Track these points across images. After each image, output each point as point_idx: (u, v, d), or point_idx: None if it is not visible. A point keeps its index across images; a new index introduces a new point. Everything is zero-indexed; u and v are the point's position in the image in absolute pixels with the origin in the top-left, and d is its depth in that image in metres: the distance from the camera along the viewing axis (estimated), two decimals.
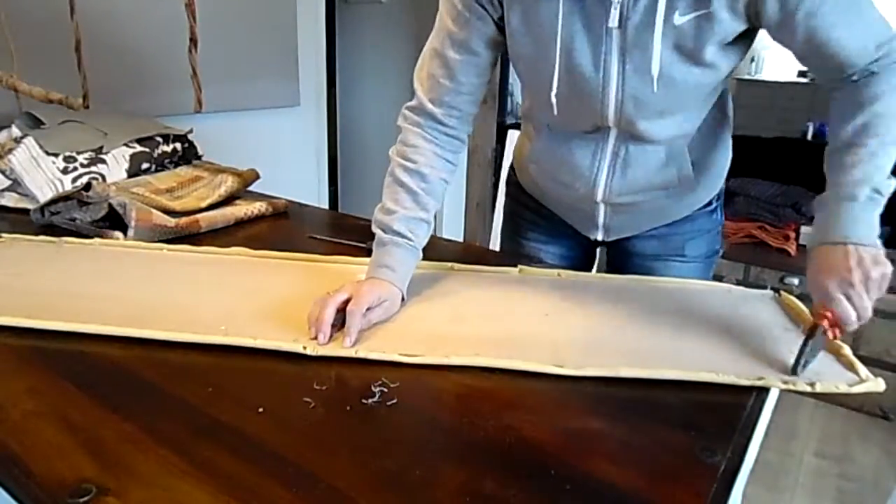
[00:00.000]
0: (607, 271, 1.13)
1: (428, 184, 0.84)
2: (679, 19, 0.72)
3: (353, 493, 0.48)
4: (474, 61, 0.83)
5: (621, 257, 1.07)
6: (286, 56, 2.18)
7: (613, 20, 0.74)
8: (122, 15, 1.68)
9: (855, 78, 0.73)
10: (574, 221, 1.05)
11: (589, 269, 1.17)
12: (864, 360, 0.68)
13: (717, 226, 1.06)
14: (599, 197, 0.92)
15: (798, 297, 0.83)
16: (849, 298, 0.66)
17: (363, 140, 3.25)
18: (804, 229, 2.43)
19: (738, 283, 0.99)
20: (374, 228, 0.83)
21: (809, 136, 3.30)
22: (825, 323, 0.67)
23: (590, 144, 0.88)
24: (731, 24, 0.72)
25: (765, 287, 0.90)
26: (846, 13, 0.70)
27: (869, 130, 0.70)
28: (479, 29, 0.81)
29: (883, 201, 0.69)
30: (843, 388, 0.63)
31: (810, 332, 0.67)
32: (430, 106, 0.84)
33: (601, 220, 0.99)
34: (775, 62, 4.05)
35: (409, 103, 0.87)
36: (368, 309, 0.73)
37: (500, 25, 0.82)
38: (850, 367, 0.67)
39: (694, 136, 0.88)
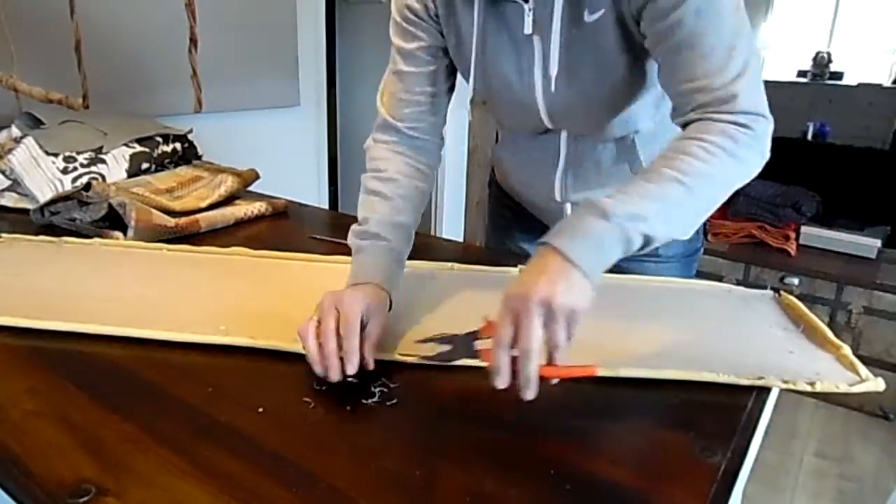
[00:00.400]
0: None
1: (402, 189, 0.80)
2: (589, 17, 0.70)
3: (353, 493, 0.48)
4: (425, 71, 0.83)
5: None
6: (286, 56, 2.18)
7: (528, 27, 0.74)
8: (122, 15, 1.68)
9: (699, 114, 0.65)
10: (545, 219, 1.05)
11: None
12: (864, 360, 0.68)
13: (700, 227, 1.02)
14: (557, 196, 0.94)
15: (798, 297, 0.83)
16: (517, 322, 0.55)
17: (363, 140, 3.25)
18: (804, 229, 2.43)
19: (738, 283, 0.99)
20: (350, 241, 0.77)
21: (809, 136, 3.30)
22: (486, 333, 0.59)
23: (544, 145, 0.90)
24: (633, 23, 0.70)
25: (765, 287, 0.90)
26: (713, 19, 0.63)
27: (679, 165, 0.61)
28: (423, 40, 0.82)
29: (635, 244, 0.59)
30: (844, 388, 0.63)
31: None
32: (392, 121, 0.84)
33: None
34: (775, 62, 4.05)
35: (375, 123, 0.86)
36: (362, 327, 0.64)
37: (440, 32, 0.82)
38: (851, 367, 0.67)
39: (655, 135, 0.87)
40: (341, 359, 0.61)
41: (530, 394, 0.54)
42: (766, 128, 0.65)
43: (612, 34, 0.71)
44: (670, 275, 0.98)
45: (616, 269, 1.05)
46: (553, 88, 0.77)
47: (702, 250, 1.07)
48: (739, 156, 0.63)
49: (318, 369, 0.61)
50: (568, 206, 0.96)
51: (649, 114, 0.85)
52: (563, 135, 0.88)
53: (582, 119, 0.84)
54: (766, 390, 0.63)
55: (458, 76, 0.87)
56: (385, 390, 0.62)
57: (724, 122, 0.64)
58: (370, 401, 0.60)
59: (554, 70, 0.75)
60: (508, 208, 1.11)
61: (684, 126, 0.68)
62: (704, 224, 1.04)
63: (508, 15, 0.75)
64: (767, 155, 0.66)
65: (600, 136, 0.86)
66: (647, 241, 0.60)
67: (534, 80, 0.79)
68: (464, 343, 0.63)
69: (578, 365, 0.58)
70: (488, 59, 0.79)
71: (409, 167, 0.83)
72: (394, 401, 0.60)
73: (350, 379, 0.61)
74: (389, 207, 0.79)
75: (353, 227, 0.79)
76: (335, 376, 0.60)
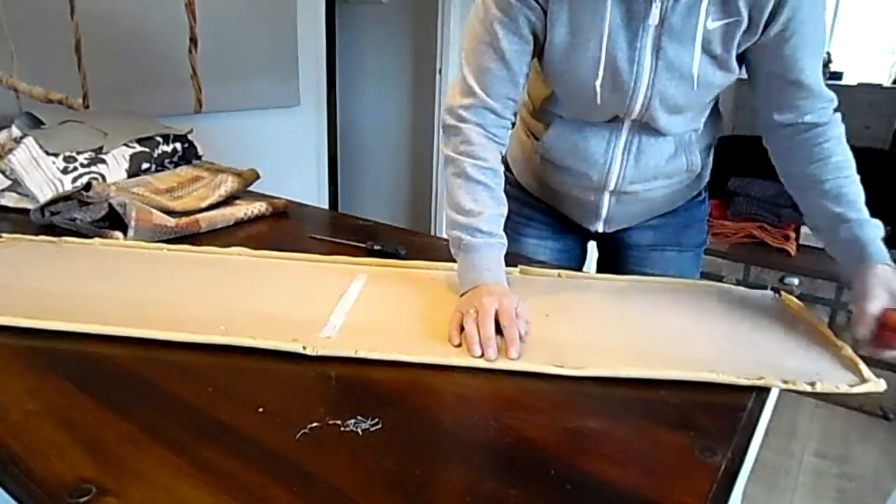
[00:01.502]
0: (600, 265, 1.15)
1: (500, 179, 0.84)
2: (711, 24, 0.77)
3: (353, 493, 0.48)
4: (526, 49, 0.83)
5: (616, 250, 1.10)
6: (286, 56, 2.18)
7: (654, 18, 0.78)
8: (122, 15, 1.68)
9: (807, 119, 0.82)
10: (576, 214, 1.06)
11: (583, 263, 1.18)
12: (864, 361, 0.68)
13: (706, 215, 1.11)
14: (612, 185, 0.95)
15: (798, 297, 0.83)
16: None
17: (363, 140, 3.25)
18: (804, 229, 2.43)
19: (738, 283, 1.00)
20: (457, 232, 0.81)
21: None
22: None
23: (604, 134, 0.91)
24: (750, 34, 0.78)
25: (765, 287, 0.90)
26: (815, 44, 0.80)
27: (843, 170, 0.81)
28: (527, 17, 0.81)
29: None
30: (844, 389, 0.63)
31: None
32: (490, 102, 0.84)
33: (604, 211, 1.01)
34: None
35: (464, 101, 0.85)
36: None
37: (545, 10, 0.82)
38: (853, 367, 0.67)
39: (702, 136, 0.95)
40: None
41: None
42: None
43: (733, 38, 0.78)
44: (687, 265, 1.06)
45: (639, 261, 1.13)
46: (695, 86, 0.82)
47: (707, 242, 1.14)
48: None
49: (475, 349, 0.67)
50: (607, 198, 0.98)
51: (705, 114, 0.93)
52: (626, 125, 0.89)
53: (673, 111, 0.86)
54: (766, 390, 0.63)
55: None
56: (385, 391, 0.62)
57: (836, 121, 0.83)
58: (370, 401, 0.60)
59: (696, 68, 0.80)
60: (525, 205, 1.12)
61: (792, 125, 0.83)
62: (708, 219, 1.11)
63: (632, 2, 0.78)
64: None
65: (665, 130, 0.89)
66: None
67: (643, 69, 0.81)
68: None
69: None
70: (608, 49, 0.81)
71: (499, 154, 0.86)
72: (394, 401, 0.60)
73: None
74: (496, 201, 0.83)
75: (456, 217, 0.81)
76: (493, 356, 0.67)
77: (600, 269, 1.15)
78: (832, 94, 0.83)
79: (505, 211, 0.84)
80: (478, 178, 0.82)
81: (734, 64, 0.81)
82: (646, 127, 0.89)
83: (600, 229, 1.05)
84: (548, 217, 1.10)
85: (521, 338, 0.69)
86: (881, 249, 0.76)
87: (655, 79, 0.81)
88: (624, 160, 0.93)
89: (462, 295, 0.78)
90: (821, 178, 0.81)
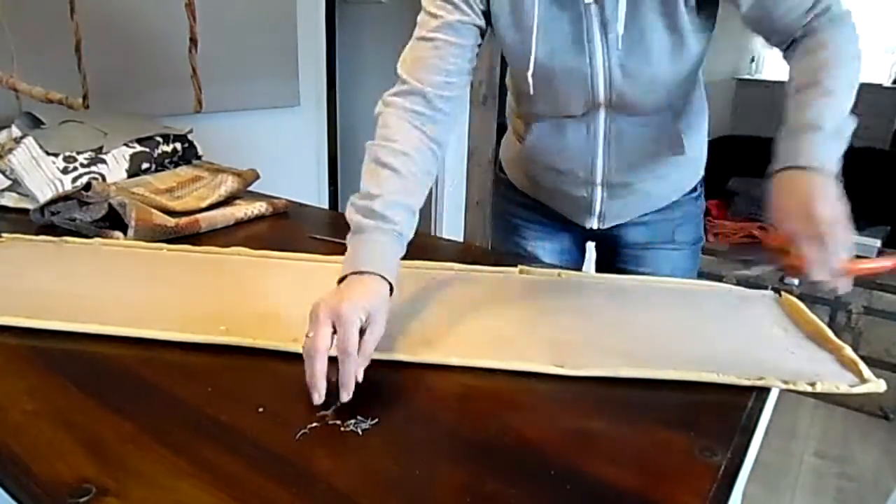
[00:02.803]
0: (597, 265, 1.15)
1: (415, 166, 0.75)
2: None
3: (353, 493, 0.48)
4: (464, 44, 0.81)
5: (612, 249, 1.10)
6: (286, 56, 2.18)
7: None
8: (122, 15, 1.68)
9: (799, 34, 0.77)
10: (569, 212, 1.06)
11: (581, 263, 1.18)
12: (864, 360, 0.68)
13: (701, 212, 1.10)
14: (599, 178, 0.95)
15: (798, 297, 0.83)
16: (820, 241, 0.61)
17: (363, 140, 3.24)
18: None
19: (738, 283, 1.00)
20: (352, 215, 0.72)
21: None
22: (794, 269, 0.63)
23: (581, 127, 0.91)
24: None
25: (765, 287, 0.90)
26: None
27: (820, 73, 0.71)
28: (466, 14, 0.81)
29: (844, 140, 0.68)
30: (844, 389, 0.63)
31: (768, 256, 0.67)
32: (419, 86, 0.78)
33: (597, 206, 1.01)
34: (775, 62, 4.05)
35: (392, 90, 0.80)
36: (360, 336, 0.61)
37: (486, 12, 0.83)
38: (853, 368, 0.67)
39: (678, 116, 0.92)
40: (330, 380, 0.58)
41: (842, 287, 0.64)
42: (851, 18, 0.76)
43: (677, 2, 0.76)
44: (683, 263, 1.04)
45: (635, 259, 1.11)
46: (619, 46, 0.80)
47: (704, 239, 1.12)
48: (854, 52, 0.74)
49: (315, 396, 0.58)
50: (599, 192, 0.98)
51: (685, 91, 0.90)
52: (602, 114, 0.89)
53: (635, 88, 0.85)
54: (766, 390, 0.63)
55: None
56: (385, 391, 0.62)
57: (827, 30, 0.75)
58: (370, 401, 0.60)
59: (620, 29, 0.78)
60: (520, 205, 1.12)
61: (789, 45, 0.79)
62: (705, 219, 1.10)
63: None
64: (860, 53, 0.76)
65: (642, 111, 0.88)
66: (845, 130, 0.69)
67: (595, 48, 0.81)
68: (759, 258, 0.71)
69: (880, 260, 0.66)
70: (546, 34, 0.81)
71: (423, 143, 0.77)
72: (394, 401, 0.60)
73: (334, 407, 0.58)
74: (401, 185, 0.73)
75: (355, 200, 0.73)
76: (318, 400, 0.57)
77: (597, 270, 1.15)
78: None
79: (414, 201, 0.74)
80: (384, 160, 0.74)
81: (689, 25, 0.78)
82: (622, 113, 0.88)
83: (595, 226, 1.05)
84: (544, 217, 1.11)
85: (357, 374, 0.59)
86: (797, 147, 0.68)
87: (610, 54, 0.81)
88: (605, 150, 0.92)
89: (338, 283, 0.67)
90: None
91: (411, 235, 0.74)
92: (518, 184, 1.11)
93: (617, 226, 1.06)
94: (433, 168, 0.79)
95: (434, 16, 0.81)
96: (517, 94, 1.00)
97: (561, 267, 0.95)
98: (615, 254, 1.10)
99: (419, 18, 0.83)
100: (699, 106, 0.99)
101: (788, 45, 0.79)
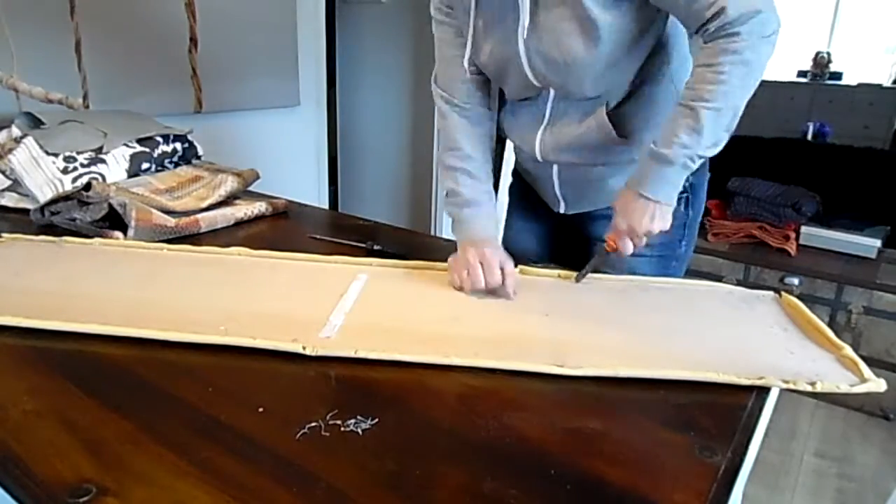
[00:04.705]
0: (561, 255, 1.14)
1: (477, 163, 0.98)
2: None
3: (353, 493, 0.48)
4: (462, 54, 0.94)
5: (581, 242, 1.10)
6: (286, 56, 2.18)
7: None
8: (122, 15, 1.68)
9: (711, 29, 0.76)
10: (541, 191, 1.12)
11: (553, 254, 1.18)
12: (864, 360, 0.68)
13: (681, 219, 1.01)
14: (538, 153, 1.00)
15: (798, 297, 0.83)
16: (632, 239, 0.84)
17: (363, 140, 3.25)
18: (804, 229, 2.43)
19: (738, 283, 0.99)
20: (450, 211, 0.97)
21: (809, 136, 3.30)
22: (612, 249, 0.86)
23: (532, 107, 0.98)
24: None
25: (765, 287, 0.90)
26: None
27: (700, 98, 0.76)
28: (452, 26, 0.95)
29: (695, 165, 0.80)
30: (845, 389, 0.63)
31: (604, 255, 0.88)
32: (450, 98, 0.99)
33: (556, 188, 1.05)
34: (775, 62, 4.06)
35: (437, 107, 1.02)
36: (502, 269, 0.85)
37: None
38: (853, 368, 0.67)
39: (632, 103, 0.93)
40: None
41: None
42: (762, 21, 0.74)
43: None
44: (646, 271, 0.99)
45: (599, 264, 1.08)
46: (524, 35, 0.85)
47: (686, 254, 1.08)
48: (747, 61, 0.75)
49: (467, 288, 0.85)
50: (555, 173, 1.04)
51: (622, 78, 0.91)
52: (549, 97, 0.94)
53: (556, 75, 0.89)
54: (766, 390, 0.63)
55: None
56: (384, 391, 0.62)
57: (722, 39, 0.75)
58: (370, 401, 0.60)
59: (525, 18, 0.83)
60: (517, 193, 1.18)
61: (697, 33, 0.80)
62: (691, 231, 1.07)
63: None
64: (775, 42, 0.77)
65: (581, 96, 0.92)
66: (696, 162, 0.80)
67: (518, 37, 0.86)
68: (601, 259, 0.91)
69: None
70: (485, 32, 0.90)
71: (476, 138, 0.99)
72: (394, 401, 0.60)
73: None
74: (473, 181, 0.96)
75: (447, 199, 0.98)
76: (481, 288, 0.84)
77: (563, 259, 1.10)
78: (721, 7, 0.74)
79: (488, 188, 0.98)
80: (454, 164, 0.97)
81: (590, 5, 0.79)
82: (565, 96, 0.93)
83: (562, 210, 1.08)
84: (531, 202, 1.15)
85: (504, 283, 0.84)
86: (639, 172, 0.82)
87: (528, 44, 0.86)
88: (545, 128, 0.98)
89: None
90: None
91: (494, 194, 0.99)
92: (516, 165, 1.18)
93: (582, 216, 1.07)
94: (490, 151, 1.02)
95: (437, 37, 0.98)
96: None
97: (551, 260, 0.96)
98: (585, 248, 1.08)
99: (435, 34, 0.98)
100: (664, 101, 0.94)
101: (695, 32, 0.80)
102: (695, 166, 0.80)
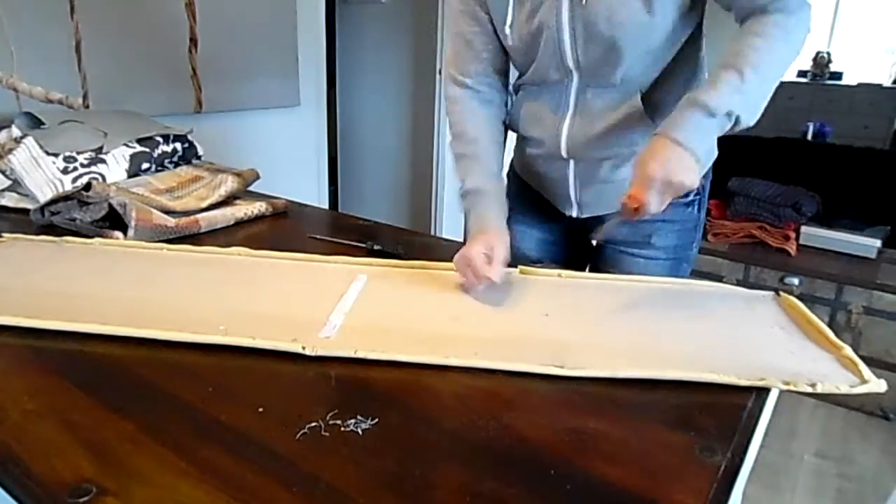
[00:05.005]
0: (576, 263, 1.14)
1: (482, 146, 0.96)
2: None
3: (353, 493, 0.48)
4: (486, 28, 0.95)
5: (589, 249, 1.09)
6: (286, 56, 2.18)
7: None
8: (122, 15, 1.68)
9: (757, 12, 0.79)
10: (552, 195, 1.08)
11: (562, 258, 1.17)
12: (864, 360, 0.68)
13: (693, 221, 1.04)
14: (563, 148, 0.97)
15: (798, 297, 0.83)
16: (662, 192, 0.76)
17: (363, 140, 3.25)
18: (804, 229, 2.43)
19: (738, 283, 0.99)
20: (462, 203, 0.96)
21: (809, 136, 3.30)
22: (634, 208, 0.77)
23: (554, 95, 0.96)
24: None
25: (765, 287, 0.90)
26: None
27: (744, 55, 0.76)
28: (482, 4, 0.94)
29: (729, 126, 0.77)
30: (844, 389, 0.63)
31: (625, 212, 0.78)
32: (460, 77, 0.98)
33: (573, 192, 1.03)
34: None
35: (444, 88, 1.02)
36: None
37: None
38: (853, 368, 0.67)
39: (660, 96, 0.92)
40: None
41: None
42: (808, 15, 0.79)
43: None
44: (658, 273, 0.99)
45: (610, 261, 1.09)
46: (583, 2, 0.83)
47: (694, 253, 1.08)
48: (792, 41, 0.78)
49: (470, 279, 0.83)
50: (572, 174, 1.00)
51: (655, 66, 0.90)
52: (575, 83, 0.93)
53: (597, 52, 0.87)
54: (766, 390, 0.63)
55: None
56: (384, 391, 0.62)
57: (778, 14, 0.78)
58: (370, 401, 0.60)
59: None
60: (517, 196, 1.12)
61: (743, 21, 0.82)
62: (700, 233, 1.07)
63: None
64: (811, 30, 0.80)
65: (611, 82, 0.90)
66: (734, 125, 0.78)
67: (563, 16, 0.85)
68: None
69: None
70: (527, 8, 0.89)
71: (483, 119, 0.98)
72: (394, 401, 0.60)
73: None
74: (477, 165, 0.95)
75: (459, 189, 0.97)
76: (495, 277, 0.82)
77: (570, 266, 1.12)
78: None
79: (495, 169, 0.97)
80: (461, 151, 0.97)
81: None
82: (592, 83, 0.91)
83: (574, 214, 1.05)
84: (534, 205, 1.12)
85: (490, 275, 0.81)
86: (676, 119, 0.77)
87: (574, 11, 0.84)
88: (572, 119, 0.95)
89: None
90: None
91: (504, 187, 0.98)
92: (517, 166, 1.15)
93: (596, 219, 1.04)
94: (501, 134, 1.01)
95: (457, 10, 0.96)
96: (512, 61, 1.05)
97: (554, 262, 0.96)
98: (595, 252, 1.09)
99: (448, 20, 0.95)
100: (688, 82, 0.94)
101: (743, 20, 0.82)
102: (728, 127, 0.77)
